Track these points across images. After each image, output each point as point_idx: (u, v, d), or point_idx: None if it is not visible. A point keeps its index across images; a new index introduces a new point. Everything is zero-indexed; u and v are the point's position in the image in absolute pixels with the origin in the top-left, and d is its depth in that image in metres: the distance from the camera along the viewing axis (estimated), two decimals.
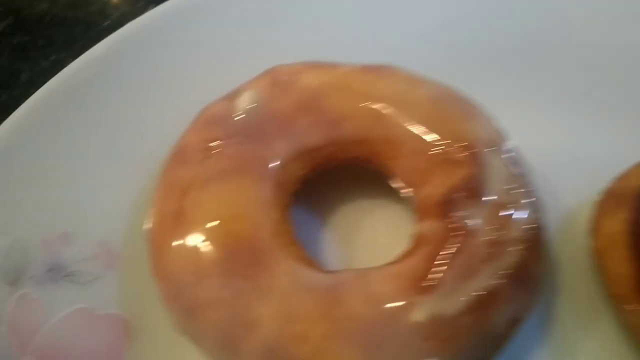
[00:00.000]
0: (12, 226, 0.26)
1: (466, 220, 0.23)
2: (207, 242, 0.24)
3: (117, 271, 0.26)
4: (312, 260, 0.25)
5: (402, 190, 0.26)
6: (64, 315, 0.26)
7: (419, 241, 0.24)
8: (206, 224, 0.24)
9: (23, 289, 0.26)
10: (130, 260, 0.27)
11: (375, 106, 0.26)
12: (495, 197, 0.24)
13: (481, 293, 0.22)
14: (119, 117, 0.28)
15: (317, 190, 0.28)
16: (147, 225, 0.25)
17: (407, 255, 0.24)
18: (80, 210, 0.27)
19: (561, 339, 0.25)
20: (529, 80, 0.29)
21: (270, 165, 0.26)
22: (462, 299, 0.22)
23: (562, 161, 0.27)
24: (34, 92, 0.35)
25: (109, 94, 0.28)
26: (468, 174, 0.24)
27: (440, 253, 0.23)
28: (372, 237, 0.28)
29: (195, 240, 0.24)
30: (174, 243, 0.24)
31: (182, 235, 0.24)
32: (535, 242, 0.24)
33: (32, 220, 0.26)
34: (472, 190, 0.24)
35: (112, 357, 0.25)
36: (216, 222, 0.24)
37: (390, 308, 0.23)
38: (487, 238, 0.23)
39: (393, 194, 0.27)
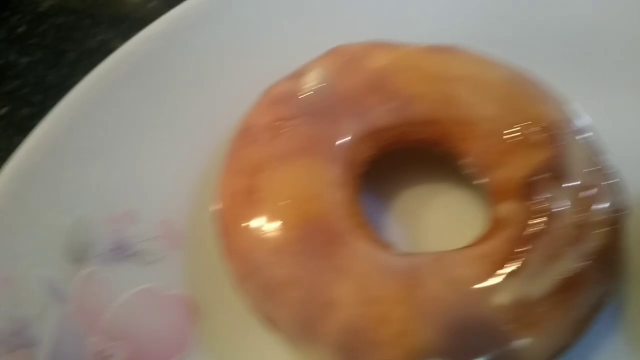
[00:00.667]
0: (75, 204, 0.26)
1: (549, 203, 0.23)
2: (282, 221, 0.23)
3: (181, 251, 0.26)
4: (385, 243, 0.24)
5: (473, 173, 0.26)
6: (129, 295, 0.25)
7: (496, 224, 0.24)
8: (280, 203, 0.24)
9: (88, 267, 0.25)
10: (195, 240, 0.26)
11: (447, 86, 0.26)
12: (577, 179, 0.23)
13: (566, 276, 0.22)
14: (182, 95, 0.28)
15: (380, 173, 0.27)
16: (215, 205, 0.25)
17: (485, 238, 0.24)
18: (144, 189, 0.26)
19: (636, 325, 0.25)
20: (600, 60, 0.29)
21: (339, 146, 0.25)
22: (547, 281, 0.22)
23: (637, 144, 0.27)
24: (81, 72, 0.35)
25: (172, 71, 0.28)
26: (549, 156, 0.24)
27: (523, 235, 0.22)
28: (437, 221, 0.27)
29: (270, 219, 0.24)
30: (247, 222, 0.24)
31: (255, 214, 0.24)
32: (617, 224, 0.23)
33: (95, 198, 0.26)
34: (554, 172, 0.23)
35: (178, 337, 0.25)
36: (290, 202, 0.24)
37: (473, 290, 0.22)
38: (571, 220, 0.22)
39: (457, 178, 0.27)
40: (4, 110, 0.36)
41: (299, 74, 0.27)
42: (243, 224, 0.24)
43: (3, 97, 0.36)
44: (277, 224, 0.23)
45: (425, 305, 0.22)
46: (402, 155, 0.27)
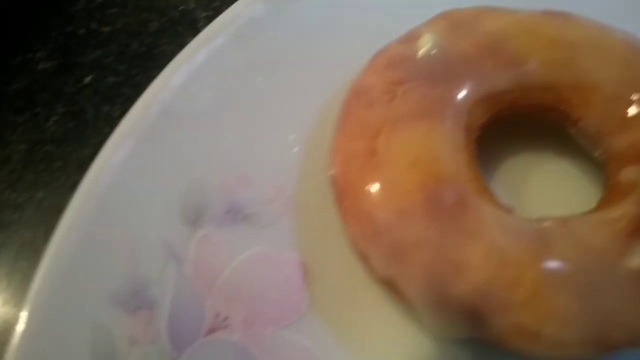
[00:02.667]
0: (189, 167, 0.25)
1: None
2: (405, 184, 0.23)
3: (294, 215, 0.26)
4: (507, 207, 0.24)
5: (587, 140, 0.25)
6: (244, 258, 0.25)
7: (619, 189, 0.23)
8: (403, 165, 0.23)
9: (203, 229, 0.25)
10: (307, 203, 0.26)
11: (565, 51, 0.25)
12: None
13: None
14: (292, 59, 0.27)
15: (484, 141, 0.27)
16: (329, 168, 0.25)
17: (609, 203, 0.23)
18: (257, 154, 0.26)
19: None
20: None
21: (456, 109, 0.25)
22: None
23: None
24: (165, 42, 0.35)
25: (283, 35, 0.27)
26: None
27: None
28: (541, 190, 0.27)
29: (392, 181, 0.23)
30: (368, 185, 0.23)
31: (378, 176, 0.23)
32: None
33: (209, 162, 0.26)
34: None
35: (292, 300, 0.25)
36: (412, 164, 0.23)
37: (605, 254, 0.22)
38: None
39: (562, 147, 0.26)
40: (88, 78, 0.36)
41: (411, 38, 0.26)
42: (363, 187, 0.24)
43: (87, 66, 0.36)
44: (400, 186, 0.23)
45: (556, 269, 0.22)
46: (506, 124, 0.27)
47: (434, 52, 0.26)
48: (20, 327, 0.21)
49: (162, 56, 0.35)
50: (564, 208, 0.24)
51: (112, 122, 0.30)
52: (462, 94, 0.25)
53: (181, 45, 0.27)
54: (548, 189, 0.27)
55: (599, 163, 0.26)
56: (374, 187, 0.23)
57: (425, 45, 0.26)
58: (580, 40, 0.25)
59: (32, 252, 0.29)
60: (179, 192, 0.25)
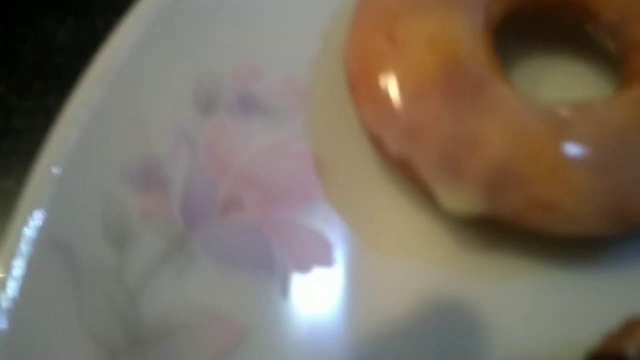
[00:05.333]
0: (202, 54, 0.25)
1: None
2: (424, 63, 0.23)
3: (308, 107, 0.25)
4: (525, 93, 0.23)
5: (605, 35, 0.25)
6: (257, 146, 0.25)
7: (637, 73, 0.23)
8: (421, 46, 0.23)
9: (216, 117, 0.25)
10: (321, 95, 0.26)
11: None
12: None
13: None
14: None
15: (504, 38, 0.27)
16: (348, 55, 0.24)
17: (626, 88, 0.23)
18: (269, 45, 0.26)
19: None
20: None
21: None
22: None
23: None
24: None
25: None
26: None
27: None
28: (559, 89, 0.26)
29: (411, 61, 0.23)
30: (386, 66, 0.23)
31: (395, 58, 0.23)
32: None
33: (221, 51, 0.25)
34: None
35: (305, 188, 0.25)
36: (429, 46, 0.23)
37: (626, 131, 0.21)
38: None
39: (581, 48, 0.26)
40: None
41: None
42: (380, 70, 0.23)
43: None
44: (417, 67, 0.23)
45: (576, 145, 0.21)
46: (523, 23, 0.27)
47: None
48: (30, 198, 0.21)
49: None
50: None
51: None
52: None
53: None
54: (564, 89, 0.26)
55: (617, 61, 0.25)
56: (391, 69, 0.23)
57: None
58: None
59: None
60: (191, 79, 0.25)
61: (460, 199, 0.22)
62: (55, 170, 0.22)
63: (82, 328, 0.20)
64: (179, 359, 0.21)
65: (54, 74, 0.33)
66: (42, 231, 0.21)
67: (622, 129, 0.22)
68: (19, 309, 0.20)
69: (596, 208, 0.21)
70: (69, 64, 0.33)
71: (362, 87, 0.24)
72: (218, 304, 0.22)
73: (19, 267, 0.20)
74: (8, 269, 0.20)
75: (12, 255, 0.20)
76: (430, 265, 0.24)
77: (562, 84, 0.26)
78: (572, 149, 0.21)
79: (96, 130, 0.23)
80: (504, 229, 0.23)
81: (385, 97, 0.23)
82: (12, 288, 0.20)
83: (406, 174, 0.23)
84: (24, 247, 0.21)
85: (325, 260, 0.24)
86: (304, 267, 0.24)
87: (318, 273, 0.24)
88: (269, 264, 0.23)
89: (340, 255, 0.24)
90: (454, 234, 0.24)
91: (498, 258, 0.24)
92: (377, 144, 0.24)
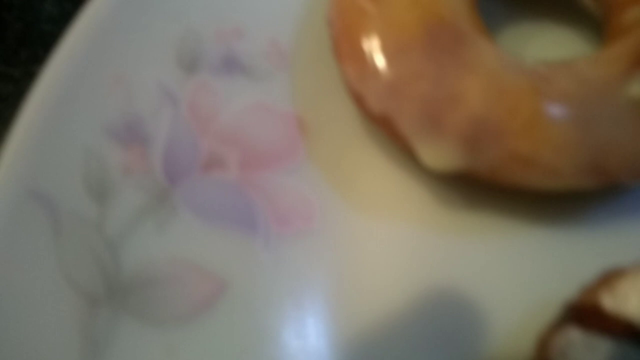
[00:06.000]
0: (185, 14, 0.25)
1: None
2: (406, 20, 0.23)
3: (291, 69, 0.26)
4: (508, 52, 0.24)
5: None
6: (240, 106, 0.25)
7: (619, 31, 0.23)
8: (403, 3, 0.23)
9: (200, 76, 0.25)
10: (303, 58, 0.26)
11: None
12: None
13: None
14: None
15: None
16: (330, 14, 0.24)
17: (607, 46, 0.23)
18: (252, 6, 0.26)
19: None
20: None
21: None
22: None
23: None
24: None
25: None
26: None
27: None
28: (542, 50, 0.27)
29: (393, 18, 0.23)
30: (368, 24, 0.23)
31: (377, 15, 0.23)
32: None
33: (205, 11, 0.26)
34: None
35: (288, 149, 0.25)
36: (414, 2, 0.23)
37: (606, 86, 0.22)
38: None
39: (564, 14, 0.26)
40: None
41: None
42: (362, 27, 0.23)
43: None
44: (399, 24, 0.23)
45: (555, 99, 0.21)
46: None
47: None
48: (12, 145, 0.21)
49: None
50: None
51: None
52: None
53: None
54: (548, 51, 0.26)
55: (599, 21, 0.25)
56: (373, 27, 0.23)
57: None
58: None
59: None
60: (174, 38, 0.25)
61: (439, 155, 0.22)
62: (38, 123, 0.21)
63: (62, 276, 0.20)
64: (159, 308, 0.21)
65: (40, 42, 0.33)
66: (24, 182, 0.21)
67: (601, 85, 0.22)
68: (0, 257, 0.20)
69: (574, 161, 0.21)
70: (55, 32, 0.33)
71: (344, 46, 0.24)
72: (199, 256, 0.22)
73: (0, 217, 0.20)
74: None
75: None
76: (411, 223, 0.24)
77: (545, 45, 0.27)
78: (551, 104, 0.22)
79: (79, 86, 0.23)
80: (485, 186, 0.23)
81: (367, 54, 0.23)
82: None
83: (387, 131, 0.23)
84: (6, 197, 0.21)
85: (308, 218, 0.24)
86: (287, 225, 0.24)
87: (300, 230, 0.24)
88: (251, 221, 0.24)
89: (322, 214, 0.24)
90: (436, 192, 0.24)
91: (479, 216, 0.24)
92: (359, 102, 0.24)
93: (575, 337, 0.19)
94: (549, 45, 0.27)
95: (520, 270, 0.23)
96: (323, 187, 0.24)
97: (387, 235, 0.24)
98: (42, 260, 0.20)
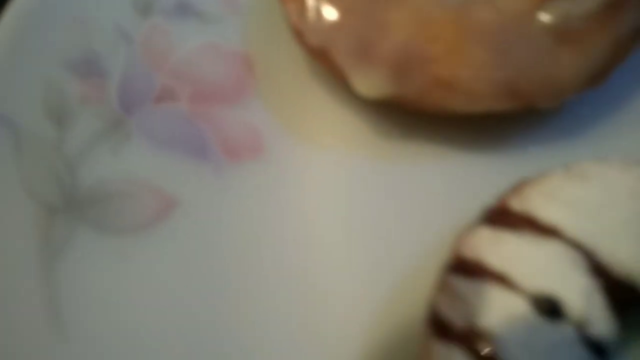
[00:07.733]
0: None
1: None
2: None
3: (241, 13, 0.28)
4: None
5: None
6: (192, 47, 0.27)
7: None
8: None
9: (154, 19, 0.27)
10: (253, 2, 0.28)
11: None
12: None
13: None
14: None
15: None
16: None
17: None
18: None
19: None
20: None
21: None
22: (590, 1, 0.23)
23: None
24: None
25: None
26: None
27: None
28: None
29: None
30: None
31: None
32: None
33: None
34: None
35: (237, 86, 0.27)
36: None
37: (521, 13, 0.24)
38: None
39: None
40: None
41: None
42: None
43: None
44: None
45: (474, 27, 0.24)
46: None
47: None
48: None
49: None
50: None
51: None
52: None
53: None
54: None
55: None
56: None
57: None
58: None
59: None
60: None
61: (370, 82, 0.24)
62: (1, 55, 0.23)
63: (22, 187, 0.22)
64: (113, 220, 0.23)
65: None
66: None
67: (517, 15, 0.24)
68: None
69: (491, 84, 0.23)
70: None
71: None
72: (151, 176, 0.24)
73: None
74: None
75: None
76: (350, 151, 0.26)
77: None
78: (471, 29, 0.24)
79: (40, 24, 0.25)
80: (415, 114, 0.25)
81: None
82: None
83: (326, 64, 0.25)
84: None
85: (256, 149, 0.26)
86: (235, 155, 0.26)
87: (249, 160, 0.26)
88: (201, 149, 0.26)
89: (269, 145, 0.26)
90: (372, 123, 0.26)
91: (411, 142, 0.26)
92: (300, 37, 0.26)
93: (484, 234, 0.21)
94: None
95: (449, 190, 0.25)
96: (270, 120, 0.26)
97: (328, 163, 0.26)
98: (3, 171, 0.22)
